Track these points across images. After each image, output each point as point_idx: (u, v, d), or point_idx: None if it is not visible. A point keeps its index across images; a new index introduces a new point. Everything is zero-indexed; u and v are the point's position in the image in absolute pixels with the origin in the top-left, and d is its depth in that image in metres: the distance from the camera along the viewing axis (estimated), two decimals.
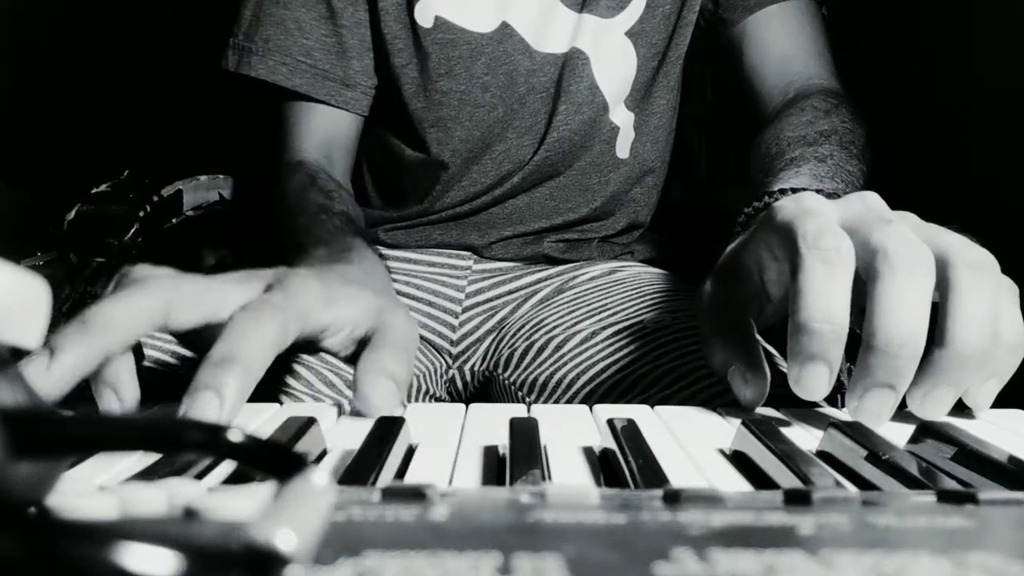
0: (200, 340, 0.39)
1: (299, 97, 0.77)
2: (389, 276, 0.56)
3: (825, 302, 0.36)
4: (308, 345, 0.42)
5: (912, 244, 0.36)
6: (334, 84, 0.77)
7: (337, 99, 0.77)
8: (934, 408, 0.37)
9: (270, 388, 0.52)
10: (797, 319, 0.36)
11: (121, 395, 0.38)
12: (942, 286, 0.37)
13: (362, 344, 0.43)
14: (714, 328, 0.44)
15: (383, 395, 0.39)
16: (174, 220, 1.03)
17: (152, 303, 0.37)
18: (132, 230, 1.00)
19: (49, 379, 0.34)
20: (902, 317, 0.35)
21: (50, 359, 0.34)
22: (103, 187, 1.03)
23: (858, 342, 0.37)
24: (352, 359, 0.43)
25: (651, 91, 0.81)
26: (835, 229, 0.38)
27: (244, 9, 0.77)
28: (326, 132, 0.77)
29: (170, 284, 0.38)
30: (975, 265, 0.37)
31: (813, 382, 0.36)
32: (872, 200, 0.40)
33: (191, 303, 0.38)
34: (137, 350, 0.40)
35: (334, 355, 0.45)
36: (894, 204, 0.41)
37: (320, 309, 0.41)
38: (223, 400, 0.33)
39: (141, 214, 1.01)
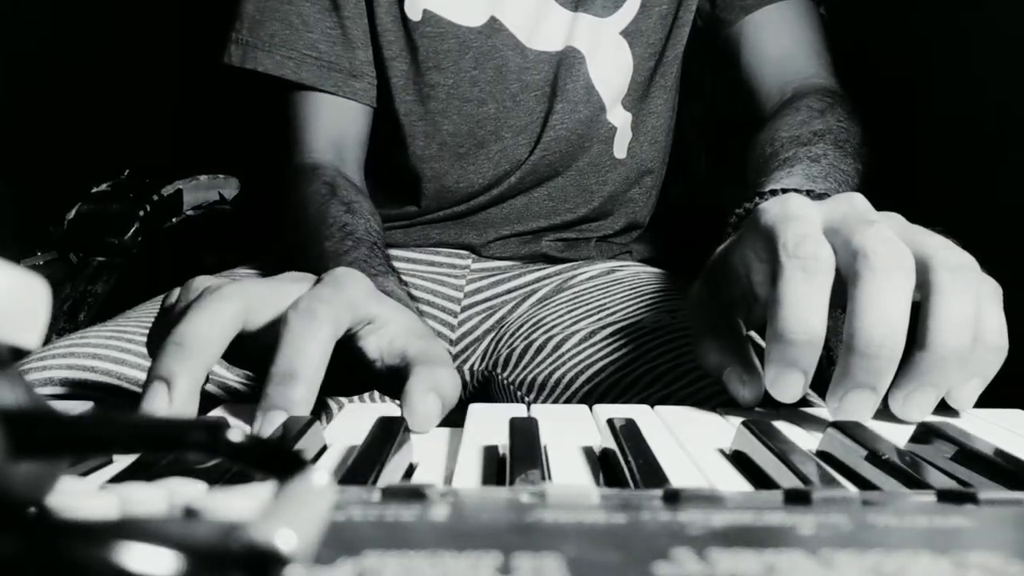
0: (252, 341, 0.40)
1: (307, 92, 0.77)
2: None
3: (802, 311, 0.36)
4: (349, 343, 0.41)
5: (892, 245, 0.36)
6: (341, 75, 0.77)
7: (345, 90, 0.77)
8: (916, 410, 0.37)
9: None
10: (775, 327, 0.37)
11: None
12: (923, 288, 0.37)
13: (400, 363, 0.41)
14: (705, 329, 0.44)
15: (431, 409, 0.37)
16: (174, 220, 1.03)
17: (234, 309, 0.37)
18: (132, 229, 1.00)
19: (175, 410, 0.35)
20: (881, 318, 0.35)
21: (169, 390, 0.35)
22: (103, 186, 1.03)
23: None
24: (384, 380, 0.42)
25: (648, 91, 0.81)
26: (815, 235, 0.38)
27: (246, 4, 0.77)
28: (337, 128, 0.77)
29: (242, 289, 0.39)
30: (955, 267, 0.37)
31: (788, 388, 0.37)
32: (857, 201, 0.40)
33: (262, 304, 0.39)
34: None
35: (368, 368, 0.42)
36: (891, 203, 0.41)
37: (368, 300, 0.41)
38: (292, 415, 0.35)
39: (141, 213, 1.01)
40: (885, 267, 0.36)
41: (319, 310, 0.37)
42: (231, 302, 0.37)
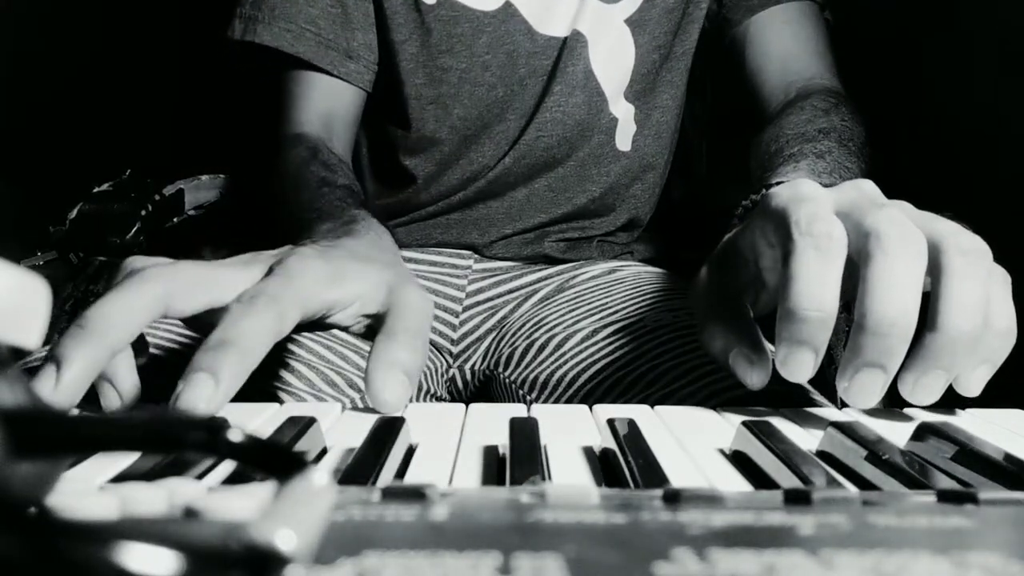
0: (206, 323, 0.39)
1: (302, 67, 0.77)
2: (397, 247, 0.55)
3: (815, 288, 0.36)
4: (315, 324, 0.42)
5: (904, 227, 0.37)
6: (337, 54, 0.77)
7: (340, 69, 0.77)
8: (926, 393, 0.37)
9: (272, 386, 0.52)
10: (787, 304, 0.37)
11: (120, 389, 0.38)
12: (934, 271, 0.37)
13: (374, 320, 0.42)
14: (711, 315, 0.44)
15: (394, 390, 0.38)
16: (175, 219, 1.03)
17: (150, 295, 0.36)
18: (134, 229, 1.00)
19: (60, 392, 0.34)
20: (893, 297, 0.35)
21: (57, 372, 0.34)
22: (105, 186, 1.03)
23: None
24: (363, 334, 0.43)
25: (654, 85, 0.81)
26: (828, 215, 0.38)
27: None
28: (328, 104, 0.77)
29: (168, 273, 0.38)
30: (967, 251, 0.37)
31: (799, 367, 0.37)
32: (867, 187, 0.40)
33: (191, 290, 0.38)
34: (139, 340, 0.40)
35: (344, 330, 0.44)
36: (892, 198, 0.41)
37: (323, 289, 0.41)
38: (218, 382, 0.34)
39: (143, 213, 1.01)
40: (897, 248, 0.36)
41: (261, 303, 0.37)
42: (145, 287, 0.36)
